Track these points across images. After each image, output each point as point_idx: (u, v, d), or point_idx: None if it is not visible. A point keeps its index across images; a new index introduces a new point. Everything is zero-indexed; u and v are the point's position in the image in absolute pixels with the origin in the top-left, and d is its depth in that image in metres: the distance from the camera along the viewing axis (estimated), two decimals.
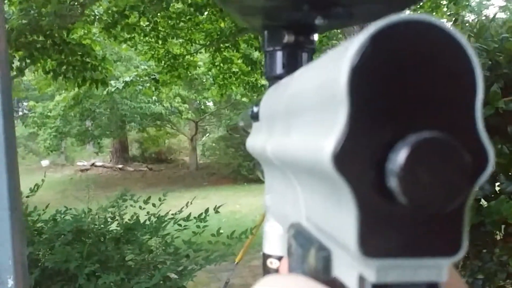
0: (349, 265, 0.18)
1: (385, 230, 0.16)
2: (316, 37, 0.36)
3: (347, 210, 0.17)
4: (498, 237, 2.17)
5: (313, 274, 0.21)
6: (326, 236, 0.20)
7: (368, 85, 0.16)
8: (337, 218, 0.18)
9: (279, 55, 0.35)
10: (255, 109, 0.34)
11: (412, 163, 0.15)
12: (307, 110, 0.20)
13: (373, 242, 0.16)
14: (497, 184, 2.07)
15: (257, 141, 0.31)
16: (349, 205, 0.16)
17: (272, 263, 0.33)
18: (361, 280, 0.17)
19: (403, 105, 0.16)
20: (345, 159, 0.16)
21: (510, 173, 2.00)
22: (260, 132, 0.32)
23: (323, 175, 0.17)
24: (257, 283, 0.23)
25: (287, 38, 0.35)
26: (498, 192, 2.06)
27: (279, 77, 0.31)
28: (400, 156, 0.15)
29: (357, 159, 0.16)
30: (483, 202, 2.09)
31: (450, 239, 0.17)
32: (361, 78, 0.16)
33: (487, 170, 0.17)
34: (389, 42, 0.16)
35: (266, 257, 0.33)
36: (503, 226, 2.09)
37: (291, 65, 0.29)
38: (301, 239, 0.24)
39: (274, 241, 0.31)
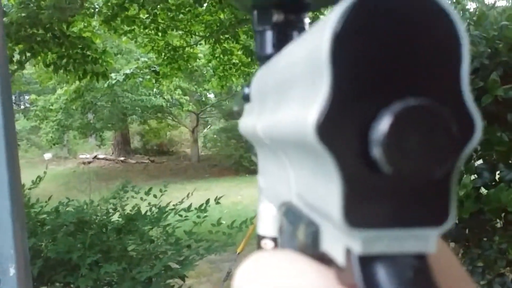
0: (336, 239, 0.18)
1: (370, 201, 0.16)
2: (306, 16, 0.36)
3: (332, 181, 0.16)
4: (498, 225, 2.18)
5: (302, 249, 0.21)
6: (314, 210, 0.20)
7: (351, 53, 0.16)
8: (323, 191, 0.18)
9: (269, 34, 0.34)
10: (246, 90, 0.33)
11: (396, 131, 0.15)
12: (294, 83, 0.20)
13: (358, 212, 0.16)
14: (497, 172, 2.07)
15: (248, 122, 0.30)
16: (334, 176, 0.16)
17: (266, 244, 0.33)
18: (348, 252, 0.17)
19: (387, 72, 0.16)
20: (328, 129, 0.16)
21: (509, 161, 2.00)
22: (251, 113, 0.31)
23: (308, 147, 0.17)
24: (246, 259, 0.23)
25: (277, 17, 0.34)
26: (497, 180, 2.06)
27: (270, 57, 0.30)
28: (383, 124, 0.15)
29: (341, 129, 0.16)
30: (483, 190, 2.10)
31: (437, 209, 0.16)
32: (343, 46, 0.15)
33: (474, 139, 0.16)
34: (372, 8, 0.15)
35: (260, 238, 0.33)
36: (502, 214, 2.09)
37: (282, 45, 0.28)
38: (291, 217, 0.23)
39: (268, 222, 0.31)
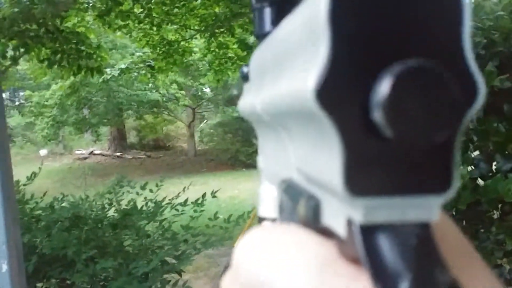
0: (337, 211, 0.17)
1: (372, 167, 0.16)
2: None
3: (332, 149, 0.16)
4: (495, 216, 2.18)
5: (303, 224, 0.21)
6: (314, 183, 0.19)
7: (349, 14, 0.15)
8: (323, 161, 0.17)
9: (267, 11, 0.34)
10: (245, 69, 0.33)
11: (397, 92, 0.14)
12: (292, 52, 0.19)
13: (359, 180, 0.16)
14: (493, 163, 2.07)
15: (247, 101, 0.30)
16: (334, 143, 0.16)
17: None
18: (349, 223, 0.17)
19: (387, 33, 0.15)
20: (328, 94, 0.15)
21: (506, 152, 2.00)
22: (250, 91, 0.31)
23: (308, 115, 0.17)
24: (247, 233, 0.23)
25: None
26: (494, 171, 2.06)
27: (268, 34, 0.30)
28: (384, 86, 0.15)
29: (341, 93, 0.15)
30: (480, 181, 2.10)
31: (439, 176, 0.16)
32: (341, 7, 0.15)
33: (477, 101, 0.16)
34: None
35: (260, 220, 0.32)
36: (499, 205, 2.09)
37: (280, 22, 0.28)
38: (292, 193, 0.23)
39: (268, 203, 0.31)
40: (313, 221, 0.19)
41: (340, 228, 0.17)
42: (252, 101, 0.28)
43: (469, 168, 2.06)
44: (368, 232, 0.16)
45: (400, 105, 0.15)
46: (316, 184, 0.19)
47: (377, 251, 0.16)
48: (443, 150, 0.16)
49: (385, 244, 0.16)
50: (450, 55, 0.16)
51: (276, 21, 0.33)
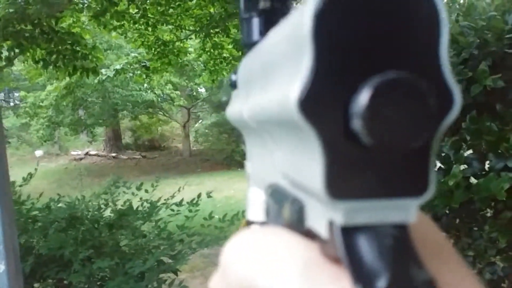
0: (320, 213, 0.18)
1: (352, 172, 0.16)
2: (293, 2, 0.36)
3: (314, 155, 0.17)
4: (488, 214, 2.19)
5: (288, 227, 0.21)
6: (298, 187, 0.20)
7: (332, 28, 0.16)
8: (306, 166, 0.18)
9: (255, 21, 0.35)
10: (233, 77, 0.34)
11: (375, 103, 0.15)
12: (278, 63, 0.20)
13: (339, 184, 0.16)
14: (486, 162, 2.08)
15: (235, 108, 0.31)
16: (316, 149, 0.16)
17: None
18: (331, 225, 0.17)
19: (367, 46, 0.16)
20: (310, 104, 0.16)
21: (499, 151, 2.01)
22: (238, 99, 0.32)
23: (291, 123, 0.17)
24: (234, 235, 0.23)
25: (263, 3, 0.35)
26: (487, 170, 2.07)
27: (256, 44, 0.30)
28: (363, 97, 0.15)
29: (322, 104, 0.16)
30: (473, 180, 2.11)
31: (416, 179, 0.17)
32: (324, 22, 0.16)
33: (453, 111, 0.16)
34: None
35: (249, 223, 0.33)
36: (492, 203, 2.11)
37: (268, 32, 0.29)
38: (277, 197, 0.24)
39: (256, 207, 0.31)
40: (297, 224, 0.20)
41: (322, 230, 0.18)
42: (239, 108, 0.28)
43: (462, 167, 2.08)
44: (349, 233, 0.17)
45: (378, 114, 0.15)
46: (300, 188, 0.20)
47: (357, 252, 0.17)
48: (419, 156, 0.17)
49: (364, 245, 0.17)
50: (427, 67, 0.16)
51: (263, 31, 0.34)
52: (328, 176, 0.16)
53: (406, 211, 0.17)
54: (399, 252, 0.16)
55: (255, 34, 0.35)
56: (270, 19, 0.35)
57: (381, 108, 0.15)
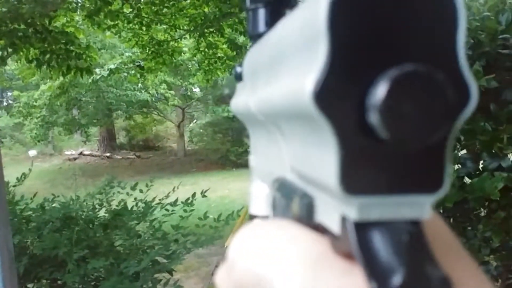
0: (331, 208, 0.18)
1: (367, 167, 0.16)
2: None
3: (329, 148, 0.16)
4: (482, 214, 2.20)
5: (297, 221, 0.21)
6: (309, 182, 0.20)
7: (348, 19, 0.16)
8: (318, 160, 0.18)
9: (261, 12, 0.34)
10: (238, 69, 0.33)
11: (392, 96, 0.15)
12: (288, 54, 0.20)
13: (354, 179, 0.16)
14: (480, 162, 2.09)
15: (241, 100, 0.30)
16: (330, 143, 0.16)
17: None
18: (343, 220, 0.17)
19: (383, 38, 0.16)
20: (326, 97, 0.16)
21: (493, 151, 2.02)
22: (244, 91, 0.31)
23: (304, 116, 0.17)
24: (242, 227, 0.23)
25: None
26: (481, 170, 2.08)
27: (262, 35, 0.30)
28: (380, 89, 0.15)
29: (338, 96, 0.16)
30: (467, 179, 2.12)
31: (431, 176, 0.17)
32: (340, 12, 0.16)
33: (469, 105, 0.16)
34: None
35: (252, 217, 0.33)
36: (486, 203, 2.12)
37: (274, 23, 0.29)
38: (285, 191, 0.23)
39: (260, 201, 0.31)
40: (307, 218, 0.20)
41: (334, 225, 0.18)
42: (245, 100, 0.28)
43: (456, 167, 2.08)
44: (362, 229, 0.17)
45: (395, 108, 0.15)
46: (311, 182, 0.20)
47: (370, 247, 0.16)
48: (435, 151, 0.16)
49: (378, 241, 0.17)
50: (445, 60, 0.16)
51: (270, 22, 0.34)
52: (343, 171, 0.16)
53: (421, 207, 0.17)
54: (413, 248, 0.16)
55: (261, 25, 0.34)
56: (277, 10, 0.34)
57: (398, 102, 0.15)
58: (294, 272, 0.19)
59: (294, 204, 0.21)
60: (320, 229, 0.19)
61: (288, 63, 0.20)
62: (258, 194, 0.31)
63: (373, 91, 0.15)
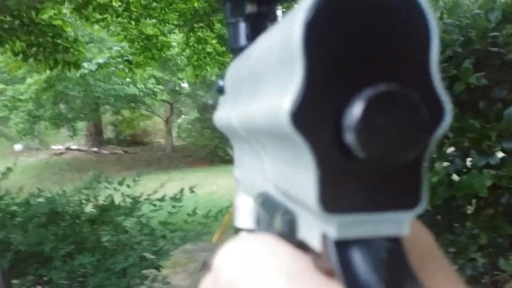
0: (312, 225, 0.18)
1: (345, 186, 0.16)
2: (279, 7, 0.36)
3: (307, 168, 0.17)
4: (469, 211, 2.22)
5: (280, 237, 0.21)
6: (290, 199, 0.20)
7: (323, 40, 0.16)
8: (298, 179, 0.18)
9: (242, 26, 0.35)
10: (220, 82, 0.33)
11: (368, 116, 0.15)
12: (267, 72, 0.20)
13: (333, 198, 0.16)
14: (468, 159, 2.10)
15: (223, 114, 0.30)
16: (309, 163, 0.16)
17: None
18: (324, 238, 0.17)
19: (359, 59, 0.16)
20: (303, 117, 0.16)
21: (481, 148, 2.03)
22: (226, 105, 0.31)
23: (283, 136, 0.17)
24: (227, 242, 0.24)
25: (250, 8, 0.35)
26: (469, 167, 2.09)
27: (243, 49, 0.30)
28: (356, 109, 0.15)
29: (315, 117, 0.16)
30: (455, 177, 2.13)
31: (409, 192, 0.17)
32: (316, 33, 0.16)
33: (443, 123, 0.16)
34: None
35: (237, 230, 0.33)
36: (474, 200, 2.13)
37: (255, 36, 0.28)
38: (268, 207, 0.24)
39: (245, 214, 0.31)
40: (289, 235, 0.20)
41: (315, 243, 0.18)
42: (228, 115, 0.28)
43: (445, 164, 2.09)
44: (342, 246, 0.17)
45: (371, 127, 0.15)
46: (292, 199, 0.20)
47: (350, 265, 0.17)
48: (412, 168, 0.17)
49: (358, 258, 0.17)
50: (419, 79, 0.16)
51: (250, 36, 0.34)
52: (321, 190, 0.16)
53: (399, 224, 0.17)
54: (393, 265, 0.17)
55: (242, 39, 0.35)
56: (257, 23, 0.35)
57: (373, 121, 0.15)
58: (271, 286, 0.19)
59: (277, 220, 0.22)
60: (303, 246, 0.20)
61: (266, 81, 0.20)
62: (243, 207, 0.32)
63: (348, 111, 0.16)
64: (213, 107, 0.37)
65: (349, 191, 0.17)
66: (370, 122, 0.15)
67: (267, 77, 0.20)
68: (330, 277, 0.18)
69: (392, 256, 0.17)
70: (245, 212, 0.31)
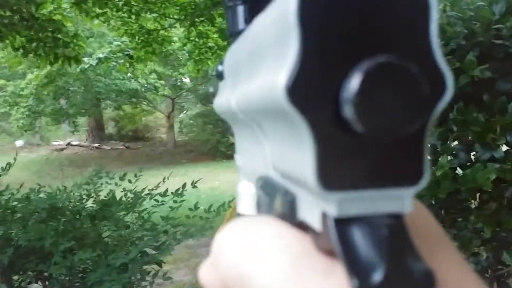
0: (312, 205, 0.18)
1: (344, 162, 0.16)
2: None
3: (305, 145, 0.16)
4: (473, 205, 2.21)
5: (280, 219, 0.21)
6: (289, 179, 0.20)
7: (318, 12, 0.15)
8: (297, 157, 0.17)
9: (240, 10, 0.34)
10: (219, 67, 0.33)
11: (366, 88, 0.15)
12: (264, 50, 0.19)
13: (332, 175, 0.16)
14: (472, 153, 2.09)
15: (223, 99, 0.30)
16: (306, 139, 0.16)
17: None
18: (324, 217, 0.17)
19: (356, 30, 0.15)
20: (299, 92, 0.16)
21: (485, 142, 2.02)
22: (225, 90, 0.31)
23: (280, 113, 0.17)
24: (228, 224, 0.23)
25: None
26: (473, 161, 2.08)
27: (241, 33, 0.30)
28: (353, 82, 0.15)
29: (312, 91, 0.16)
30: (459, 170, 2.12)
31: (410, 168, 0.16)
32: (311, 5, 0.15)
33: (445, 96, 0.16)
34: None
35: (239, 216, 0.32)
36: (478, 194, 2.12)
37: (253, 19, 0.28)
38: (268, 189, 0.23)
39: (246, 200, 0.31)
40: (289, 216, 0.20)
41: (315, 222, 0.18)
42: (227, 98, 0.28)
43: (449, 158, 2.08)
44: (342, 225, 0.17)
45: (370, 100, 0.15)
46: (291, 180, 0.19)
47: (351, 243, 0.16)
48: (413, 143, 0.16)
49: (359, 236, 0.16)
50: (418, 50, 0.16)
51: (249, 19, 0.34)
52: (319, 167, 0.16)
53: (401, 200, 0.17)
54: (395, 243, 0.16)
55: (241, 23, 0.34)
56: (256, 6, 0.33)
57: (372, 94, 0.15)
58: (275, 269, 0.19)
59: (277, 202, 0.21)
60: (303, 227, 0.19)
61: (264, 59, 0.20)
62: (245, 193, 0.31)
63: (346, 85, 0.15)
64: (214, 95, 0.36)
65: (348, 168, 0.16)
66: (368, 94, 0.15)
67: (265, 55, 0.19)
68: (331, 256, 0.18)
69: (393, 234, 0.16)
70: (246, 199, 0.31)
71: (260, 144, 0.24)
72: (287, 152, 0.19)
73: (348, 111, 0.15)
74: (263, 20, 0.21)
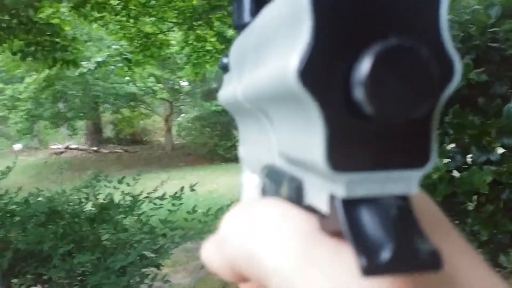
0: (320, 188, 0.18)
1: (353, 144, 0.16)
2: None
3: (315, 127, 0.16)
4: (470, 208, 2.21)
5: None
6: (297, 163, 0.20)
7: None
8: (306, 140, 0.18)
9: (246, 2, 0.34)
10: (224, 60, 0.33)
11: (377, 71, 0.15)
12: (273, 37, 0.20)
13: (341, 156, 0.16)
14: (469, 156, 2.10)
15: (228, 90, 0.30)
16: (316, 121, 0.16)
17: None
18: (331, 198, 0.17)
19: (367, 13, 0.16)
20: (311, 74, 0.16)
21: (481, 144, 2.03)
22: (231, 81, 0.31)
23: (290, 96, 0.17)
24: (234, 205, 0.23)
25: None
26: (470, 163, 2.09)
27: (247, 25, 0.30)
28: (364, 64, 0.15)
29: (323, 73, 0.16)
30: (456, 173, 2.13)
31: (418, 151, 0.17)
32: None
33: (454, 79, 0.16)
34: None
35: None
36: (475, 197, 2.13)
37: (259, 11, 0.29)
38: (274, 176, 0.24)
39: (250, 192, 0.31)
40: (296, 201, 0.20)
41: (322, 205, 0.18)
42: (232, 89, 0.28)
43: (445, 161, 2.09)
44: (350, 206, 0.17)
45: (380, 82, 0.15)
46: (299, 164, 0.20)
47: (359, 224, 0.17)
48: (421, 126, 0.17)
49: (366, 217, 0.17)
50: (428, 33, 0.16)
51: (254, 11, 0.34)
52: (329, 148, 0.16)
53: (408, 182, 0.17)
54: (402, 223, 0.16)
55: (247, 15, 0.34)
56: None
57: (382, 76, 0.15)
58: (286, 248, 0.19)
59: (283, 188, 0.22)
60: (310, 211, 0.20)
61: (273, 46, 0.20)
62: (249, 185, 0.31)
63: (357, 67, 0.16)
64: (217, 90, 0.36)
65: (357, 149, 0.16)
66: (379, 77, 0.15)
67: (274, 41, 0.20)
68: (338, 238, 0.18)
69: (400, 214, 0.17)
70: (250, 190, 0.31)
71: (266, 133, 0.24)
72: (296, 137, 0.19)
73: (358, 94, 0.15)
74: (271, 9, 0.21)
